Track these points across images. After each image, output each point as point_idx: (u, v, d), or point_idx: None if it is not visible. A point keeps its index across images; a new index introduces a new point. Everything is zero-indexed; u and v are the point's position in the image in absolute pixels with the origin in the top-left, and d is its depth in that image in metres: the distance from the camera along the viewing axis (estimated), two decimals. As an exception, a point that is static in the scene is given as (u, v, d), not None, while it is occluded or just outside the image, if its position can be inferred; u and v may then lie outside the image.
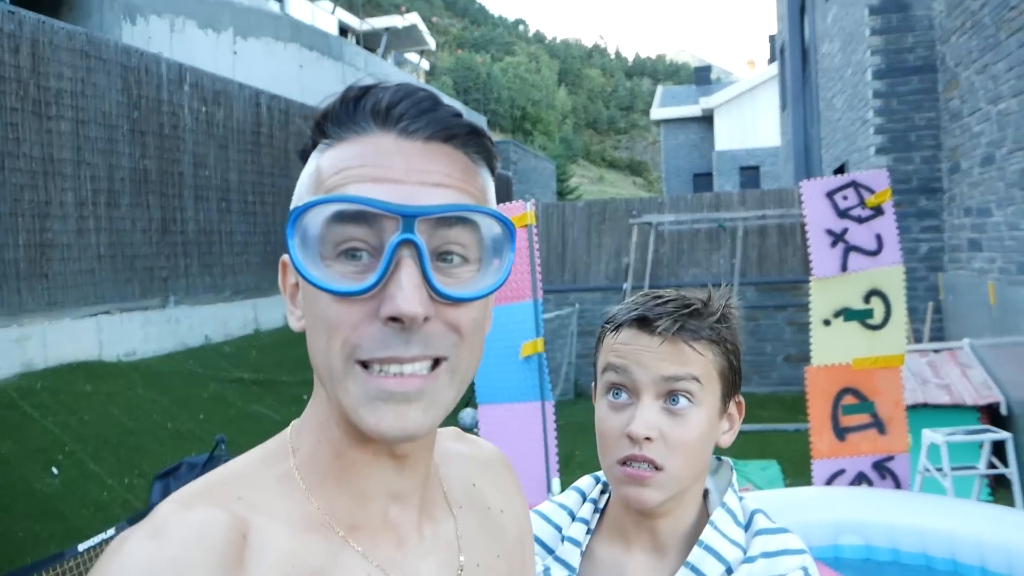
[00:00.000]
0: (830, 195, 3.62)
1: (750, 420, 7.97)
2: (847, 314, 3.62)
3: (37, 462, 4.85)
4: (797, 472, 5.47)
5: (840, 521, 3.38)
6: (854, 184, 3.63)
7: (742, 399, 1.03)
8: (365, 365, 0.60)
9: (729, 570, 0.92)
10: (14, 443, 4.90)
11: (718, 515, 0.96)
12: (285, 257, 0.66)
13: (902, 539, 3.30)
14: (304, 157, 0.68)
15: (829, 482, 3.73)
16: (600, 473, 1.09)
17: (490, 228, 0.63)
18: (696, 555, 0.93)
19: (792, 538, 0.96)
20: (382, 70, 16.56)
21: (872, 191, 3.59)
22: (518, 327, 3.59)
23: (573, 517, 1.05)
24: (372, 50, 22.42)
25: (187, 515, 0.58)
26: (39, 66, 6.08)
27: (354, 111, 0.64)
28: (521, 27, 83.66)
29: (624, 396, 0.96)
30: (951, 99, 6.25)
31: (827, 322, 3.64)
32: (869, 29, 6.88)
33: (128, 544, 0.56)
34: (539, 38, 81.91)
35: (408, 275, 0.58)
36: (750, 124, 23.25)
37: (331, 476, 0.66)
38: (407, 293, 0.58)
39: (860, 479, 3.70)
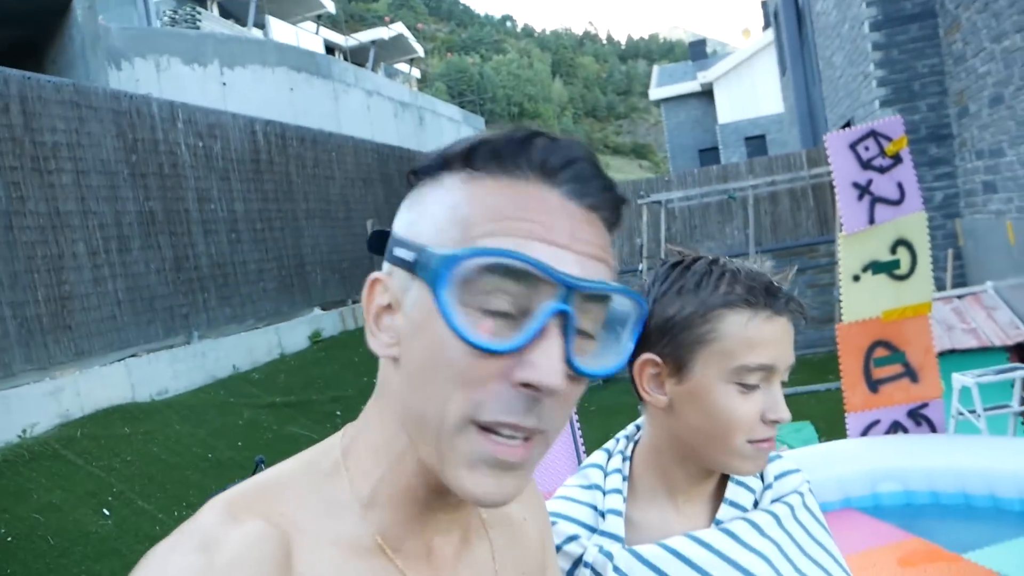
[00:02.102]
0: (853, 147, 3.60)
1: (781, 386, 7.91)
2: (875, 267, 3.60)
3: (88, 506, 4.93)
4: (831, 431, 5.44)
5: (877, 469, 3.37)
6: (873, 133, 3.60)
7: None
8: (480, 426, 0.57)
9: (756, 498, 1.03)
10: (63, 491, 4.99)
11: None
12: (377, 275, 0.63)
13: (940, 481, 3.29)
14: (426, 172, 0.64)
15: (864, 434, 3.71)
16: (608, 445, 1.10)
17: (621, 304, 0.62)
18: (731, 490, 1.02)
19: (786, 461, 1.08)
20: (374, 83, 16.62)
21: (890, 139, 3.56)
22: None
23: (604, 492, 1.05)
24: (361, 65, 22.50)
25: (235, 529, 0.56)
26: (31, 122, 6.12)
27: (518, 153, 0.60)
28: (508, 23, 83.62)
29: (755, 382, 0.97)
30: (953, 42, 6.16)
31: (856, 277, 3.62)
32: (863, -20, 6.80)
33: (176, 555, 0.54)
34: (528, 32, 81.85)
35: (556, 346, 0.56)
36: (751, 94, 23.10)
37: (389, 505, 0.64)
38: (554, 364, 0.56)
39: (895, 428, 3.68)
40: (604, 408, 7.98)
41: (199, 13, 15.60)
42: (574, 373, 0.58)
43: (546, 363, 0.56)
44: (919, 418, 3.64)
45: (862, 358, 3.70)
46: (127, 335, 6.77)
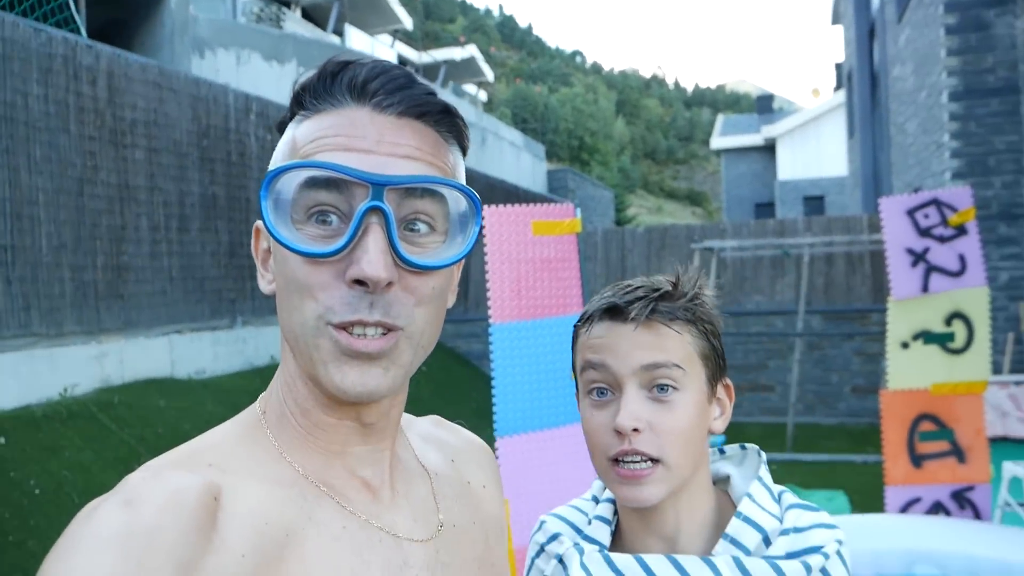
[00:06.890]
0: (911, 213, 3.51)
1: (815, 450, 7.73)
2: (927, 337, 3.49)
3: (116, 471, 5.01)
4: (865, 505, 5.29)
5: (915, 550, 3.21)
6: (936, 202, 3.51)
7: (730, 382, 1.00)
8: (335, 326, 0.63)
9: (766, 539, 0.90)
10: (94, 453, 5.09)
11: (756, 488, 0.94)
12: (259, 223, 0.68)
13: (983, 572, 3.14)
14: (281, 129, 0.71)
15: (904, 510, 3.59)
16: None
17: (457, 202, 0.67)
18: (734, 526, 0.91)
19: (824, 515, 0.94)
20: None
21: (955, 209, 3.46)
22: (568, 342, 3.15)
23: (599, 502, 1.03)
24: (431, 81, 22.84)
25: (157, 483, 0.58)
26: (115, 97, 6.32)
27: (331, 84, 0.66)
28: (578, 58, 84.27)
29: (608, 393, 0.93)
30: (1032, 121, 6.05)
31: (905, 345, 3.52)
32: (945, 50, 6.71)
33: (100, 512, 0.55)
34: (596, 69, 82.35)
35: (375, 240, 0.61)
36: (814, 153, 22.88)
37: (299, 435, 0.69)
38: (372, 257, 0.61)
39: (937, 508, 3.56)
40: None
41: (283, 13, 16.02)
42: (404, 265, 0.63)
43: (365, 257, 0.61)
44: (963, 501, 3.51)
45: (906, 430, 3.59)
46: (174, 311, 6.90)
